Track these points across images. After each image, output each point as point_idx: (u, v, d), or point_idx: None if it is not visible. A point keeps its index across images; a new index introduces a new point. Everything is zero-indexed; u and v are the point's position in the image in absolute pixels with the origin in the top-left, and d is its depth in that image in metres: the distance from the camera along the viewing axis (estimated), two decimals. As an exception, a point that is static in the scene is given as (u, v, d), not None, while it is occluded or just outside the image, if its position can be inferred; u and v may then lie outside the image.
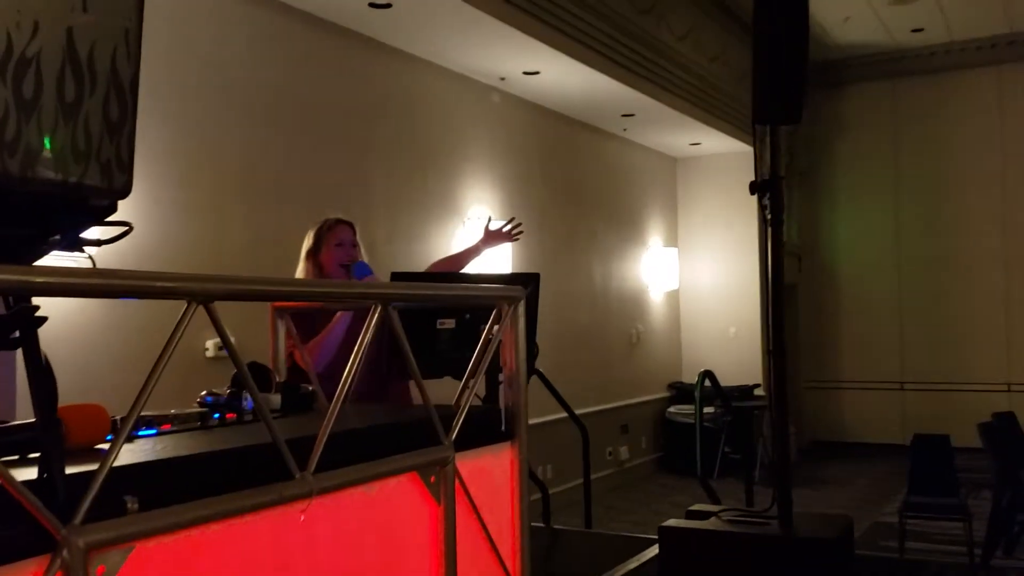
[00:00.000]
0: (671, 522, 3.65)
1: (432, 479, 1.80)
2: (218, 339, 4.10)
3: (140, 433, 1.65)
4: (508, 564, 2.03)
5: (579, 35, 6.13)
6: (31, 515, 1.09)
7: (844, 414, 10.55)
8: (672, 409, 9.27)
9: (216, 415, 1.91)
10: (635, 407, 8.83)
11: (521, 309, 2.07)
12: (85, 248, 1.40)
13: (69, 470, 1.21)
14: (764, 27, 3.52)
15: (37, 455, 1.27)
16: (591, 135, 8.21)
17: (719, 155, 9.70)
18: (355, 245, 3.43)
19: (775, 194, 3.55)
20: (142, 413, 1.29)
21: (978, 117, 9.88)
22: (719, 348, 9.63)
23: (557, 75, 6.52)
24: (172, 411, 1.78)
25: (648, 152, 9.36)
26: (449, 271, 3.88)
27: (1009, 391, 9.55)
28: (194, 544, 1.33)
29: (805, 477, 8.40)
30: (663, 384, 9.51)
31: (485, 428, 2.08)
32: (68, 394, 1.32)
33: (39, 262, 1.36)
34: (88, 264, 1.36)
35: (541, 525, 4.63)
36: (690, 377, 9.41)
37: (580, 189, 8.05)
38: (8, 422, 1.50)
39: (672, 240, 9.79)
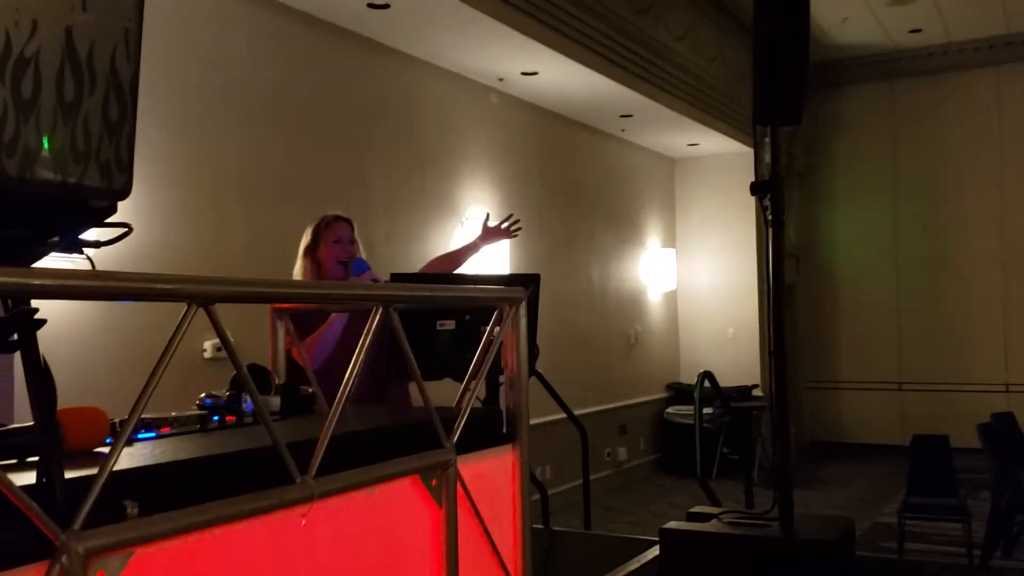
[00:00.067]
0: (672, 524, 3.64)
1: (433, 482, 1.79)
2: (216, 340, 4.10)
3: (139, 436, 1.64)
4: (510, 567, 2.01)
5: (577, 35, 6.12)
6: (29, 520, 1.08)
7: (842, 415, 10.55)
8: (670, 410, 9.26)
9: (215, 418, 1.89)
10: (633, 408, 8.83)
11: (522, 310, 2.06)
12: (84, 249, 1.39)
13: (68, 474, 1.20)
14: (764, 27, 3.51)
15: (35, 459, 1.26)
16: (589, 135, 8.21)
17: (717, 156, 9.70)
18: (353, 242, 3.42)
19: (776, 195, 3.53)
20: (141, 416, 1.27)
21: (976, 118, 9.89)
22: (717, 349, 9.63)
23: (555, 75, 6.52)
24: (173, 413, 1.77)
25: (646, 153, 9.35)
26: (448, 268, 3.86)
27: (1007, 391, 9.56)
28: (194, 549, 1.32)
29: (804, 478, 8.39)
30: (661, 385, 9.50)
31: (486, 430, 2.07)
32: (65, 395, 1.31)
33: (37, 264, 1.35)
34: (87, 266, 1.34)
35: (540, 527, 4.62)
36: (688, 378, 9.41)
37: (578, 190, 8.04)
38: (6, 425, 1.49)
39: (670, 241, 9.79)
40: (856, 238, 10.55)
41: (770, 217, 3.54)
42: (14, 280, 1.07)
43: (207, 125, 4.44)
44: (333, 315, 3.14)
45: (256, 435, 1.65)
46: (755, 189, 3.54)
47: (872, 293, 10.38)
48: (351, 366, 1.60)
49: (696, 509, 3.89)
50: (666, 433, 9.20)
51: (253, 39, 4.75)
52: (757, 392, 9.29)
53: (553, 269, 7.23)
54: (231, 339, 1.39)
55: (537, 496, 4.83)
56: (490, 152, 6.78)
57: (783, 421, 3.64)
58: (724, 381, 6.95)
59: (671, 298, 9.76)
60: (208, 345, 4.20)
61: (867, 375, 10.41)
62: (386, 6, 5.00)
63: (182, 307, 1.27)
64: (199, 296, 1.28)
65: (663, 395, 9.46)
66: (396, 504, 1.73)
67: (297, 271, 3.42)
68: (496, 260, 6.54)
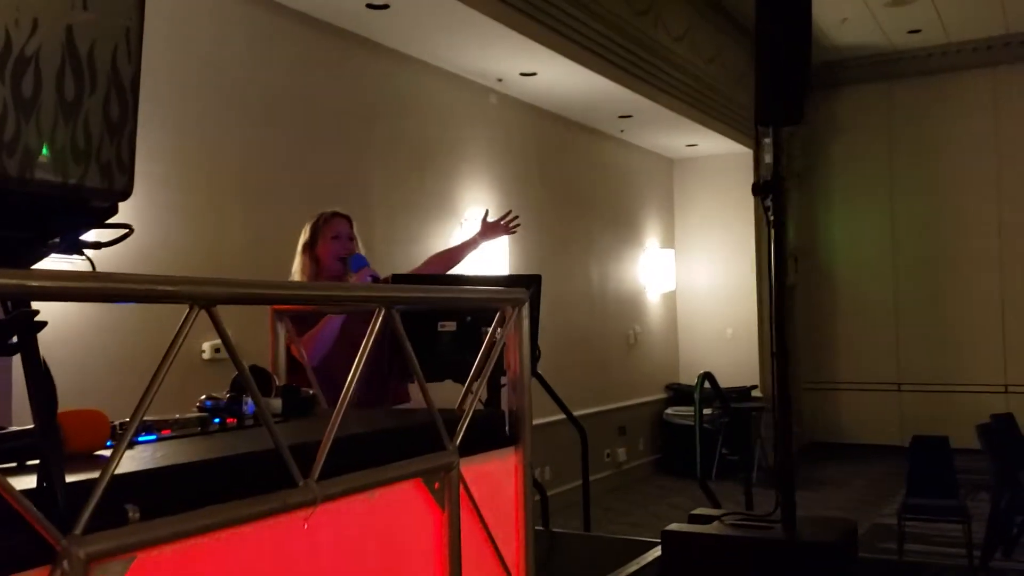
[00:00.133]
0: (674, 526, 3.63)
1: (436, 485, 1.77)
2: (213, 341, 4.09)
3: (139, 439, 1.62)
4: (513, 571, 2.00)
5: (576, 36, 6.11)
6: (30, 525, 1.06)
7: (841, 415, 10.54)
8: (669, 411, 9.25)
9: (216, 420, 1.88)
10: (632, 409, 8.82)
11: (525, 311, 2.04)
12: (84, 251, 1.37)
13: (69, 478, 1.18)
14: (766, 26, 3.50)
15: (35, 462, 1.24)
16: (588, 136, 8.20)
17: (716, 156, 9.70)
18: (352, 238, 3.41)
19: (778, 195, 3.52)
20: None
21: (974, 118, 9.89)
22: (716, 349, 9.62)
23: (554, 76, 6.51)
24: (176, 416, 1.75)
25: (645, 153, 9.35)
26: (447, 263, 3.85)
27: (1006, 392, 9.56)
28: (196, 553, 1.31)
29: (802, 478, 8.35)
30: (660, 385, 9.49)
31: (489, 433, 2.06)
32: (63, 397, 1.29)
33: (37, 265, 1.33)
34: (87, 267, 1.33)
35: (540, 528, 4.61)
36: (687, 378, 9.40)
37: (577, 190, 8.03)
38: (4, 427, 1.47)
39: (669, 241, 9.78)
40: (854, 239, 10.54)
41: (772, 218, 3.53)
42: (14, 282, 1.06)
43: (206, 125, 4.43)
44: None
45: (257, 437, 1.63)
46: (757, 190, 3.54)
47: (870, 294, 10.37)
48: (353, 370, 1.58)
49: (698, 511, 3.88)
50: (665, 434, 9.19)
51: (252, 39, 4.74)
52: (756, 393, 9.29)
53: (552, 270, 7.22)
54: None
55: (537, 497, 4.81)
56: (489, 153, 6.77)
57: (786, 422, 3.62)
58: (723, 382, 6.94)
59: (670, 299, 9.75)
60: (207, 346, 4.18)
61: (865, 376, 10.40)
62: (385, 6, 4.99)
63: (181, 308, 1.26)
64: (201, 298, 1.26)
65: (662, 396, 9.45)
66: (398, 507, 1.72)
67: (296, 267, 3.42)
68: (495, 261, 6.53)
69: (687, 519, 3.77)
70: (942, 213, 10.05)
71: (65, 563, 1.09)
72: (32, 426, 1.25)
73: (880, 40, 9.70)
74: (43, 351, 1.21)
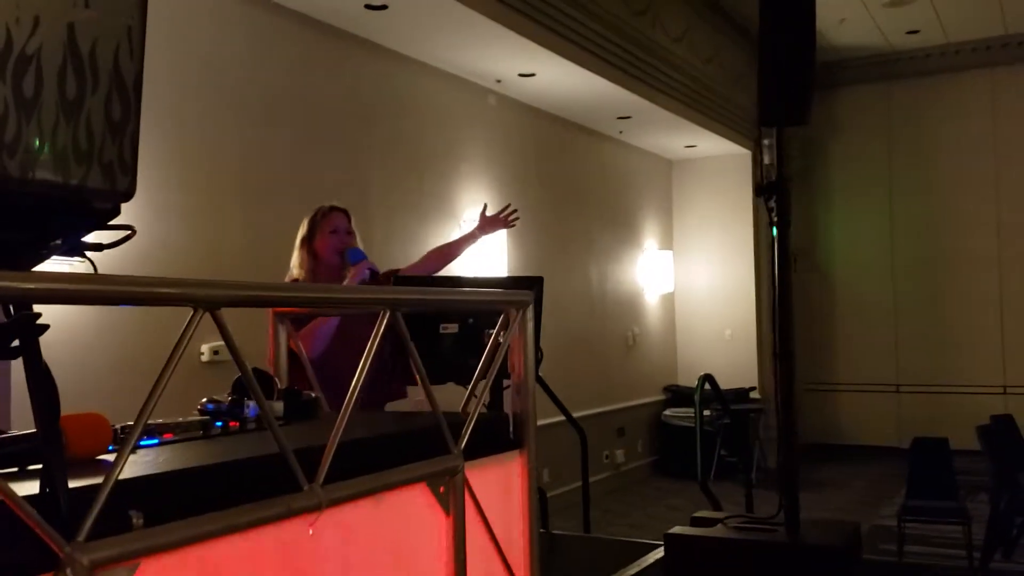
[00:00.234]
0: (677, 529, 3.62)
1: (441, 489, 1.76)
2: (213, 343, 4.07)
3: (141, 443, 1.60)
4: (518, 574, 1.98)
5: (575, 37, 6.10)
6: (33, 532, 1.04)
7: (839, 416, 10.53)
8: (668, 412, 9.24)
9: (218, 423, 1.86)
10: (631, 410, 8.80)
11: (530, 314, 2.03)
12: (86, 252, 1.35)
13: (71, 484, 1.16)
14: (769, 27, 3.49)
15: (37, 467, 1.22)
16: (587, 137, 8.18)
17: (714, 157, 9.69)
18: (350, 232, 3.40)
19: (782, 196, 3.51)
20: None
21: (973, 119, 9.89)
22: (714, 351, 9.61)
23: (553, 77, 6.49)
24: (179, 419, 1.73)
25: (644, 154, 9.34)
26: (446, 258, 3.82)
27: (1005, 394, 9.55)
28: (200, 559, 1.29)
29: (802, 480, 8.31)
30: (659, 387, 9.48)
31: (493, 436, 2.04)
32: (63, 400, 1.27)
33: (38, 267, 1.31)
34: (88, 269, 1.31)
35: (541, 530, 4.59)
36: (686, 380, 9.39)
37: (576, 191, 8.02)
38: (4, 431, 1.45)
39: (667, 243, 9.77)
40: (853, 239, 10.53)
41: (776, 219, 3.51)
42: (15, 285, 1.03)
43: (206, 125, 4.41)
44: None
45: (261, 441, 1.61)
46: (761, 191, 3.52)
47: (869, 295, 10.36)
48: (357, 375, 1.56)
49: (700, 514, 3.87)
50: (664, 435, 9.17)
51: (252, 39, 4.72)
52: (755, 394, 9.28)
53: (551, 271, 7.20)
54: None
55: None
56: (487, 153, 6.75)
57: (789, 424, 3.61)
58: (722, 383, 6.92)
59: (668, 300, 9.74)
60: (206, 348, 4.16)
61: (864, 377, 10.39)
62: (384, 7, 4.97)
63: (181, 310, 1.24)
64: (204, 300, 1.24)
65: (661, 397, 9.44)
66: (403, 511, 1.70)
67: (294, 262, 3.41)
68: (494, 261, 6.51)
69: (689, 521, 3.75)
70: (941, 213, 10.04)
71: (69, 570, 1.07)
72: (33, 430, 1.23)
73: (879, 41, 9.69)
74: (43, 354, 1.19)
